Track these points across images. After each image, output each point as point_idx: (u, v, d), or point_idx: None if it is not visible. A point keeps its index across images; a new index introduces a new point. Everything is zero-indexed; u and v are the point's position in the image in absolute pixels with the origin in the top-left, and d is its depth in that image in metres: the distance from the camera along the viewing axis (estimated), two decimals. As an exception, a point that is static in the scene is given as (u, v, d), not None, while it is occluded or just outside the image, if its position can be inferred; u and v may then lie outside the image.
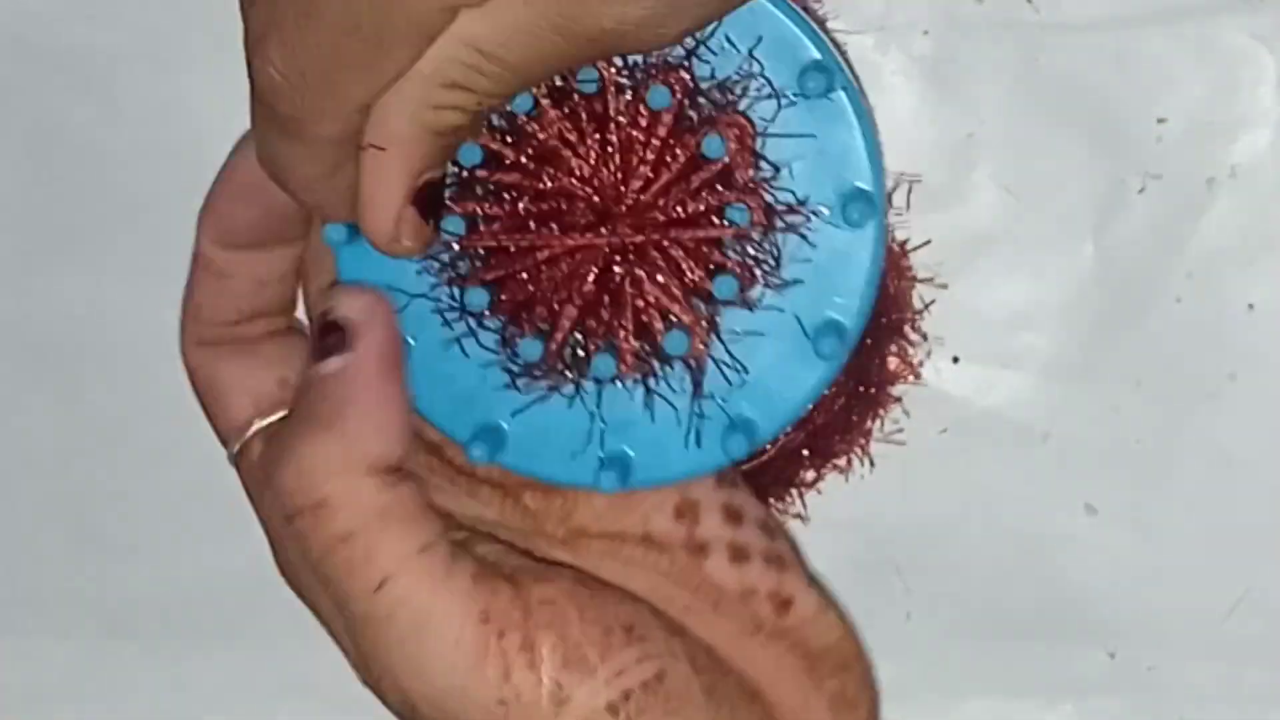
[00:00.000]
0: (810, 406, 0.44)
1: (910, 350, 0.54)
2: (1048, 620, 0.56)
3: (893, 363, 0.54)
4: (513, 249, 0.43)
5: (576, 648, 0.41)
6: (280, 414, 0.44)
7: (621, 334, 0.43)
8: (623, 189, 0.43)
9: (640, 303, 0.43)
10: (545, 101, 0.43)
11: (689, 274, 0.43)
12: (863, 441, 0.55)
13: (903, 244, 0.54)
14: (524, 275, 0.43)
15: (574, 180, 0.43)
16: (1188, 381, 0.55)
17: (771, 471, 0.54)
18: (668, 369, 0.43)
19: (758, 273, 0.43)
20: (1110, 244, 0.54)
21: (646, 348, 0.43)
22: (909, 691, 0.56)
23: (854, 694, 0.44)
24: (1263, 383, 0.55)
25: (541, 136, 0.43)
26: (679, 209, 0.43)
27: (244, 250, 0.44)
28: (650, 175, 0.43)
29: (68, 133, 0.53)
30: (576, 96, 0.43)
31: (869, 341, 0.53)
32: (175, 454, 0.56)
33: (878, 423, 0.55)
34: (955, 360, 0.55)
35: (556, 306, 0.43)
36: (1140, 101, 0.53)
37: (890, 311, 0.54)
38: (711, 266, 0.43)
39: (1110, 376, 0.55)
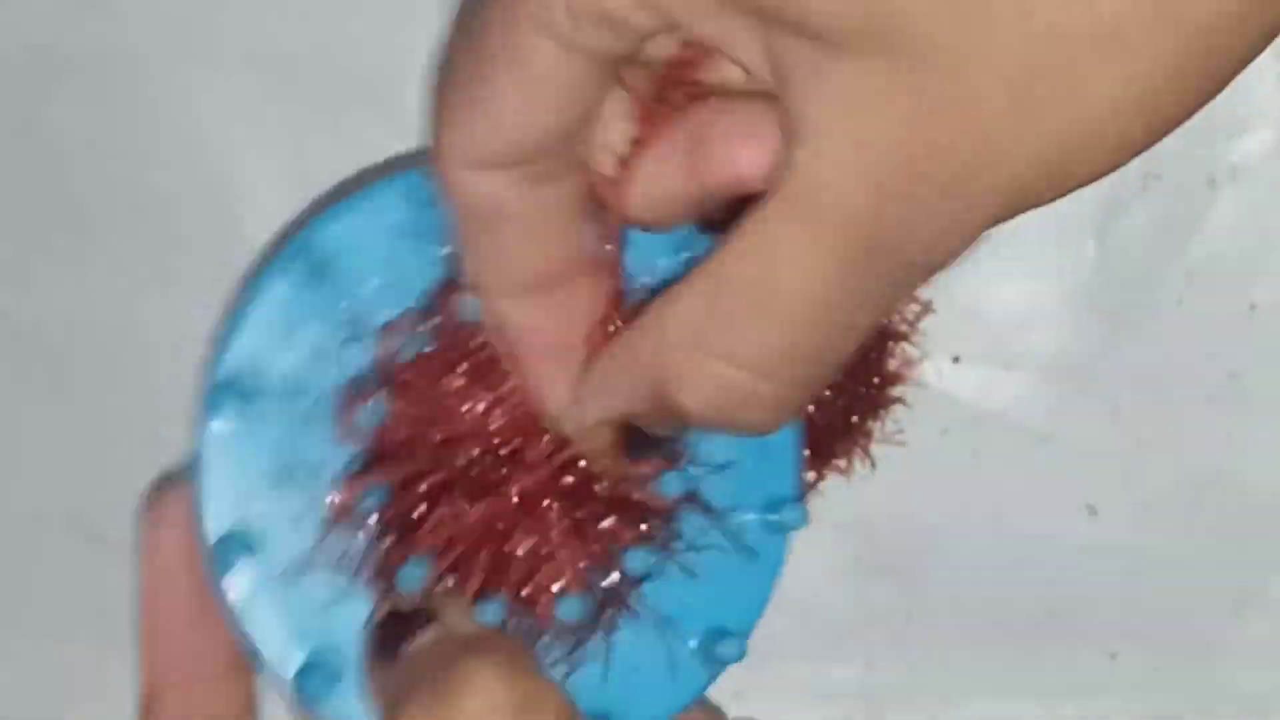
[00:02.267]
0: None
1: (911, 351, 0.54)
2: (1048, 621, 0.56)
3: (893, 363, 0.54)
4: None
5: None
6: None
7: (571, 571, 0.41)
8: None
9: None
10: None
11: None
12: (863, 442, 0.55)
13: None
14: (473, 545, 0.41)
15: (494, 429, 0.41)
16: (1189, 382, 0.55)
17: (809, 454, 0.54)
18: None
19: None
20: (1111, 244, 0.54)
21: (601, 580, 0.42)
22: (909, 692, 0.56)
23: None
24: (1264, 383, 0.55)
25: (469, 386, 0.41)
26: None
27: None
28: None
29: (68, 133, 0.53)
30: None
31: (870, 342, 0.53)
32: (175, 454, 0.56)
33: (878, 423, 0.54)
34: (956, 361, 0.55)
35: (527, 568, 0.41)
36: (1141, 101, 0.53)
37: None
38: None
39: (1111, 377, 0.55)
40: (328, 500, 0.41)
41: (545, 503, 0.41)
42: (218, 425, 0.40)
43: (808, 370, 0.34)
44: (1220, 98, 0.53)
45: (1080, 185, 0.32)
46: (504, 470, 0.41)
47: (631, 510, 0.41)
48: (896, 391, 0.54)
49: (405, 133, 0.53)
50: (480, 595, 0.41)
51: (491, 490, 0.41)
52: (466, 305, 0.40)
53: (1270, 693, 0.56)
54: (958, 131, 0.30)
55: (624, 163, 0.36)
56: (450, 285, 0.41)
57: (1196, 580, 0.56)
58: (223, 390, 0.41)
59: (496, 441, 0.41)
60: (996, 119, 0.30)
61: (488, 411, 0.41)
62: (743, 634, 0.42)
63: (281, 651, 0.41)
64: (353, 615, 0.41)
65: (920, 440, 0.55)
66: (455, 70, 0.35)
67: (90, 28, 0.53)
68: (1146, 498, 0.55)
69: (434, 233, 0.40)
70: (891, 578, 0.56)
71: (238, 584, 0.40)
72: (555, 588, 0.41)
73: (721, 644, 0.42)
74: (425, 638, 0.39)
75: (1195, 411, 0.55)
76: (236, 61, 0.53)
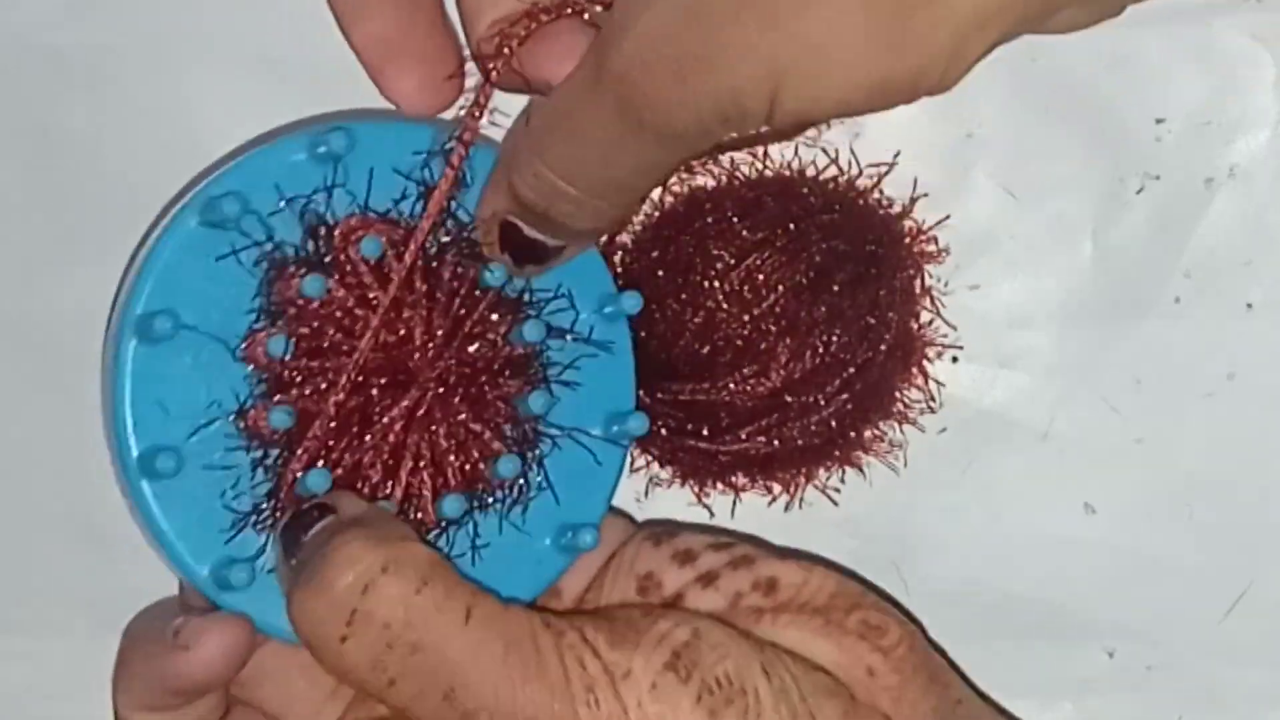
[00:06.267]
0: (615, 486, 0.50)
1: (916, 352, 0.54)
2: (1047, 620, 0.56)
3: (897, 365, 0.54)
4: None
5: (617, 631, 0.43)
6: None
7: (450, 475, 0.48)
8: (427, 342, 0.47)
9: (462, 439, 0.48)
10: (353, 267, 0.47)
11: (495, 402, 0.48)
12: (864, 441, 0.55)
13: (911, 240, 0.54)
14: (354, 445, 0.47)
15: (384, 337, 0.47)
16: (1186, 381, 0.55)
17: (776, 464, 0.54)
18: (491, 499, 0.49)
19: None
20: (1109, 244, 0.54)
21: (477, 483, 0.48)
22: (909, 691, 0.56)
23: (878, 620, 0.46)
24: (1261, 382, 0.55)
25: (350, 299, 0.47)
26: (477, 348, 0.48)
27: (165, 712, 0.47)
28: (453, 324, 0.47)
29: (68, 133, 0.53)
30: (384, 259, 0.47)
31: (873, 340, 0.53)
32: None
33: (878, 423, 0.55)
34: (955, 360, 0.55)
35: (389, 464, 0.47)
36: (1139, 102, 0.54)
37: (895, 310, 0.54)
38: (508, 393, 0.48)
39: (1109, 376, 0.55)
40: (236, 423, 0.46)
41: (431, 418, 0.47)
42: (133, 354, 0.46)
43: (597, 187, 0.44)
44: (1219, 98, 0.53)
45: (804, 99, 0.40)
46: (394, 391, 0.47)
47: (498, 427, 0.48)
48: (898, 392, 0.54)
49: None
50: (373, 495, 0.47)
51: (384, 408, 0.47)
52: (365, 244, 0.46)
53: (1267, 691, 0.56)
54: (705, 32, 0.39)
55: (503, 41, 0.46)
56: (346, 228, 0.47)
57: (1193, 578, 0.56)
58: (137, 325, 0.45)
59: (387, 365, 0.47)
60: (738, 31, 0.39)
61: (379, 337, 0.47)
62: (593, 524, 0.49)
63: (191, 558, 0.46)
64: (261, 524, 0.46)
65: (919, 439, 0.55)
66: None
67: (91, 28, 0.53)
68: (1144, 496, 0.56)
69: (324, 183, 0.47)
70: (891, 577, 0.56)
71: (153, 497, 0.46)
72: (437, 486, 0.48)
73: (576, 534, 0.49)
74: (317, 527, 0.44)
75: (1193, 410, 0.55)
76: (236, 61, 0.53)
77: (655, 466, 0.55)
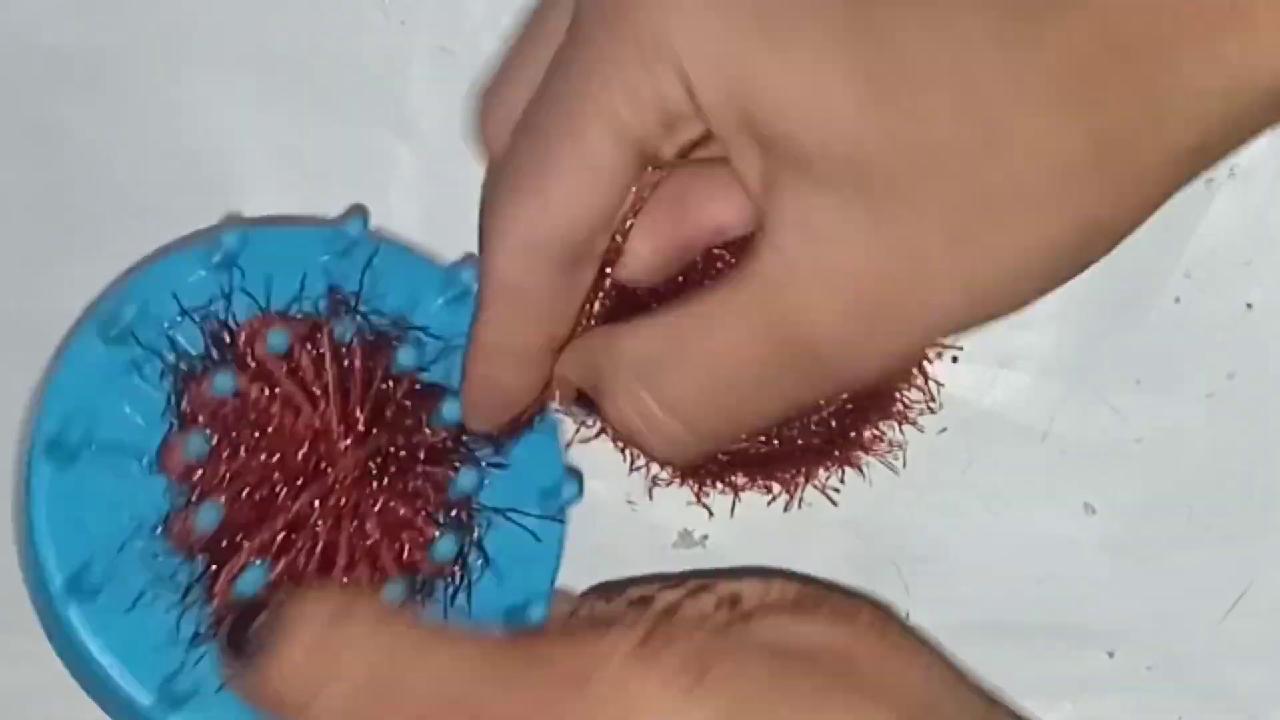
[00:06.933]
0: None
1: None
2: (1047, 620, 0.56)
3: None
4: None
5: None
6: None
7: (387, 565, 0.47)
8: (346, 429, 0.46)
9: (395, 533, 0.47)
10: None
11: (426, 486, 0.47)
12: (864, 441, 0.55)
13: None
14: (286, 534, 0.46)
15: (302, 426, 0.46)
16: (1186, 381, 0.55)
17: (776, 463, 0.54)
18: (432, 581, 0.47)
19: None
20: (1109, 244, 0.54)
21: (416, 569, 0.47)
22: (909, 691, 0.56)
23: (848, 606, 0.45)
24: (1261, 382, 0.55)
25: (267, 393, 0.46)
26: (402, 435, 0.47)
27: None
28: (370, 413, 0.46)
29: (68, 133, 0.53)
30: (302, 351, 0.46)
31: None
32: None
33: (878, 423, 0.55)
34: (955, 360, 0.55)
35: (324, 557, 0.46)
36: (1139, 101, 0.53)
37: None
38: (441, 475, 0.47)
39: (1109, 376, 0.55)
40: (161, 535, 0.45)
41: (357, 509, 0.46)
42: (45, 480, 0.44)
43: (714, 425, 0.41)
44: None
45: (995, 316, 0.40)
46: (317, 485, 0.46)
47: (430, 511, 0.47)
48: (899, 392, 0.54)
49: (405, 133, 0.54)
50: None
51: (307, 502, 0.46)
52: (271, 338, 0.45)
53: (1266, 691, 0.56)
54: (903, 263, 0.37)
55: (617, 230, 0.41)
56: (250, 330, 0.46)
57: (1193, 578, 0.56)
58: (47, 448, 0.44)
59: (308, 459, 0.46)
60: (934, 254, 0.37)
61: (295, 434, 0.46)
62: (541, 598, 0.48)
63: (134, 680, 0.44)
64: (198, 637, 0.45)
65: (919, 439, 0.55)
66: (515, 154, 0.40)
67: (93, 29, 0.53)
68: (1144, 496, 0.56)
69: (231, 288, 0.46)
70: (891, 577, 0.56)
71: (86, 620, 0.44)
72: (375, 578, 0.46)
73: (525, 611, 0.47)
74: (261, 617, 0.43)
75: (1193, 410, 0.55)
76: (236, 61, 0.53)
77: (655, 466, 0.55)
